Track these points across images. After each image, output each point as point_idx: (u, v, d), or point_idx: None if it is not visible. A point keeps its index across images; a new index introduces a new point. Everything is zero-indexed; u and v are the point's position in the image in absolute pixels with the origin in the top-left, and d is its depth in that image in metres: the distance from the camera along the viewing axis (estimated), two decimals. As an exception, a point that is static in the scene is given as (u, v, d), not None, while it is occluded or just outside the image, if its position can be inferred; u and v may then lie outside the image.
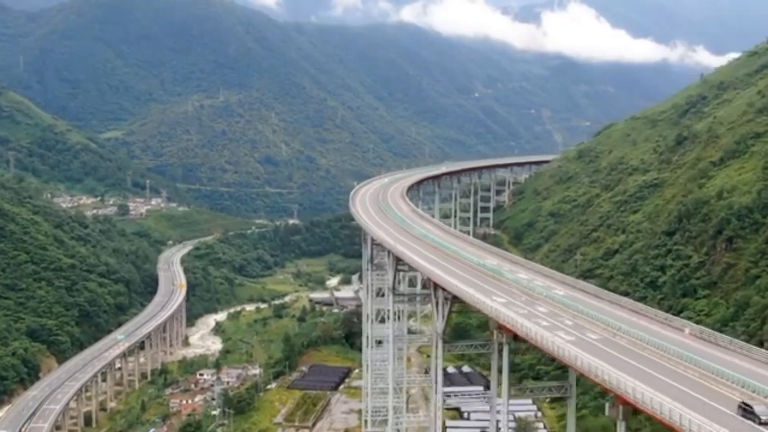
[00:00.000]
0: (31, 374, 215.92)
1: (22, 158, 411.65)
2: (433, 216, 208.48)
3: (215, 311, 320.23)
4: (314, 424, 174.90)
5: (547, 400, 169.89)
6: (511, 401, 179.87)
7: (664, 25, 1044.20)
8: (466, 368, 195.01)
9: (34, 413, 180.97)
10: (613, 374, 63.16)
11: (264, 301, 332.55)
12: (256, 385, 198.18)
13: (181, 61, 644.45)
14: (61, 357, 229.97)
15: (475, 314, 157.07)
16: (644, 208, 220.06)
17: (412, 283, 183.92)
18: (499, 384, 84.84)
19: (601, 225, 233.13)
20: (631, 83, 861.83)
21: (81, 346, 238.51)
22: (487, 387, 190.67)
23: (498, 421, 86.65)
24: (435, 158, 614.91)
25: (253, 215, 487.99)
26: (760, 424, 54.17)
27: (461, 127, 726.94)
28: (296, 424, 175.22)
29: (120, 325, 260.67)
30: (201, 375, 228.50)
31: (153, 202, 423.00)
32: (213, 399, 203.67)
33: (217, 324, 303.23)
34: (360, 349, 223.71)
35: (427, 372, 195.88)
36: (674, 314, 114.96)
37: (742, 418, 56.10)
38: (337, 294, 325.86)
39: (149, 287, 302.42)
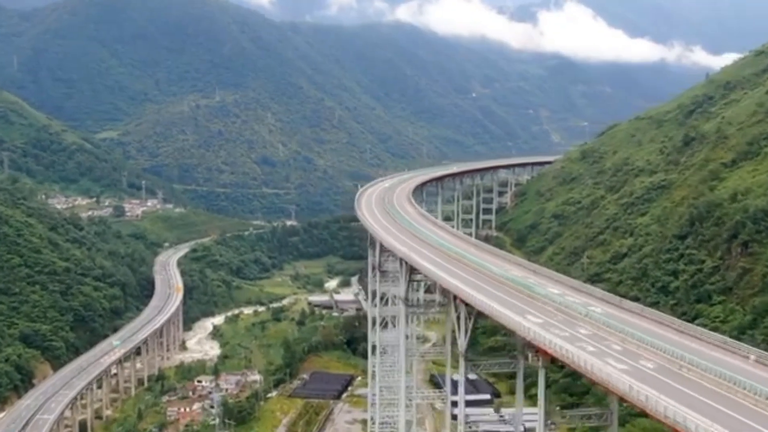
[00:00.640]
0: (25, 381, 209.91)
1: (16, 159, 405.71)
2: (436, 218, 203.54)
3: (213, 314, 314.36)
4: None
5: (558, 407, 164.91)
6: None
7: (661, 25, 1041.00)
8: (471, 375, 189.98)
9: (27, 423, 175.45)
10: (680, 412, 56.33)
11: (262, 304, 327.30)
12: (257, 394, 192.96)
13: (176, 61, 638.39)
14: (56, 363, 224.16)
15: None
16: (652, 210, 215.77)
17: (413, 286, 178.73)
18: (523, 405, 78.81)
19: (607, 228, 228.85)
20: (629, 83, 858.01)
21: (76, 352, 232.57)
22: (495, 395, 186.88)
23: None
24: (433, 159, 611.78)
25: (250, 216, 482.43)
26: None
27: (459, 127, 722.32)
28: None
29: (116, 329, 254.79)
30: (199, 381, 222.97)
31: (149, 204, 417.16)
32: (212, 407, 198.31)
33: (215, 328, 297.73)
34: (362, 356, 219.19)
35: (431, 380, 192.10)
36: (688, 320, 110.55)
37: None
38: (337, 297, 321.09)
39: (145, 290, 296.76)
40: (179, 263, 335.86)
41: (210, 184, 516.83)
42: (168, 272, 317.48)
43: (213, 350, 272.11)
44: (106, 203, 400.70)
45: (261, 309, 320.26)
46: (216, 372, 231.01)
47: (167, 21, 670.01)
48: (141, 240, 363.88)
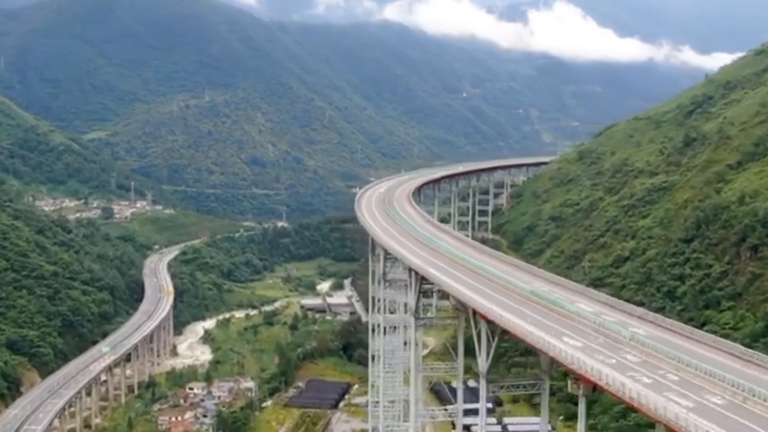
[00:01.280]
0: (12, 389, 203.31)
1: (3, 160, 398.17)
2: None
3: (203, 318, 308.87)
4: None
5: (561, 417, 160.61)
6: (522, 419, 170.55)
7: (650, 25, 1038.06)
8: (471, 383, 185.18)
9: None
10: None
11: (254, 307, 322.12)
12: (252, 404, 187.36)
13: (164, 61, 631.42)
14: (44, 370, 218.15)
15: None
16: (654, 212, 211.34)
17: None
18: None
19: (608, 230, 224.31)
20: (618, 83, 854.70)
21: (64, 358, 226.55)
22: (496, 404, 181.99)
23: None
24: (424, 159, 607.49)
25: (240, 217, 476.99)
26: None
27: (450, 127, 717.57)
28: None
29: (105, 334, 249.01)
30: (191, 389, 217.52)
31: (138, 205, 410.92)
32: (204, 416, 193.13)
33: (206, 332, 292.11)
34: (359, 362, 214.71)
35: (432, 389, 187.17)
36: (696, 327, 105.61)
37: None
38: (330, 300, 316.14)
39: (135, 294, 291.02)
40: (169, 266, 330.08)
41: (199, 185, 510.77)
42: (158, 275, 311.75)
43: (204, 355, 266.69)
44: (95, 205, 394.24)
45: (253, 312, 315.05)
46: (208, 379, 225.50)
47: (155, 20, 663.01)
48: (130, 242, 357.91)
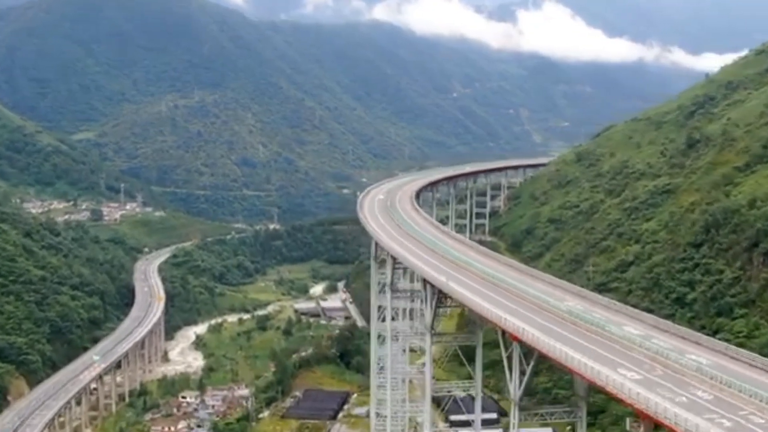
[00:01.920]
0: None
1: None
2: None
3: (195, 323, 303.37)
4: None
5: (569, 429, 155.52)
6: (531, 430, 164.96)
7: (639, 25, 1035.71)
8: (473, 392, 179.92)
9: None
10: None
11: (246, 311, 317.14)
12: (248, 415, 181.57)
13: (154, 60, 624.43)
14: (32, 378, 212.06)
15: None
16: (658, 215, 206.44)
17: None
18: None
19: (610, 234, 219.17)
20: (608, 83, 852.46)
21: (53, 366, 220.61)
22: (501, 414, 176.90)
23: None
24: (415, 160, 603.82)
25: (230, 219, 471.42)
26: None
27: (440, 127, 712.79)
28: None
29: (95, 341, 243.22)
30: (184, 398, 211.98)
31: (128, 207, 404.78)
32: (198, 426, 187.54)
33: (198, 337, 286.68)
34: (357, 370, 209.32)
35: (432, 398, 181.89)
36: (709, 335, 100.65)
37: None
38: (324, 304, 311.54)
39: (125, 299, 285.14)
40: (160, 269, 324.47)
41: (189, 186, 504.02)
42: (149, 280, 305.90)
43: (196, 361, 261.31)
44: (84, 207, 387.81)
45: (245, 317, 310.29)
46: (201, 387, 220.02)
47: (145, 20, 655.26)
48: (120, 245, 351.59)
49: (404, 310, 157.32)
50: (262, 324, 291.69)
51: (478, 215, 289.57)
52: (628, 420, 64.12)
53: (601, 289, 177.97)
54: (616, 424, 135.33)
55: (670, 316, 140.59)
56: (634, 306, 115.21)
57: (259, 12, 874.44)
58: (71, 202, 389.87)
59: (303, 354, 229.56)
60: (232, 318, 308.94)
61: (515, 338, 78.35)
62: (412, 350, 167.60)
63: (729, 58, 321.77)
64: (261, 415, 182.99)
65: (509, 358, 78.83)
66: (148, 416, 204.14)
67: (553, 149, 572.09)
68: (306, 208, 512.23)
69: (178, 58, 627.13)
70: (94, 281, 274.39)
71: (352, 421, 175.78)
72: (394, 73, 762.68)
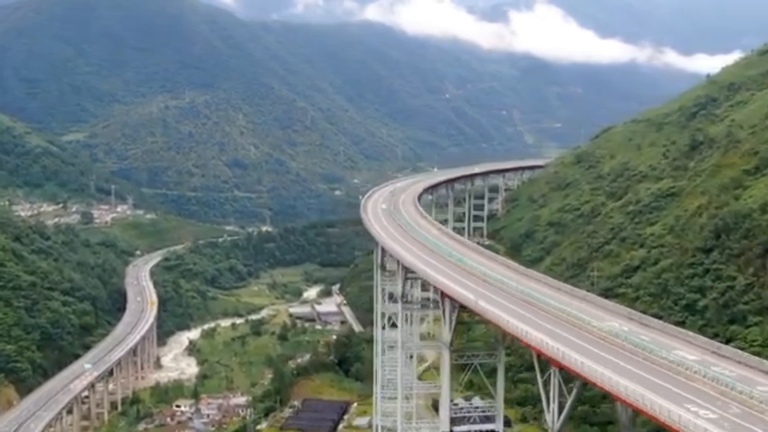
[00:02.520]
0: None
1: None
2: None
3: (188, 328, 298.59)
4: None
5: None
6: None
7: (631, 26, 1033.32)
8: (476, 401, 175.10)
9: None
10: None
11: (240, 316, 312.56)
12: (246, 427, 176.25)
13: (144, 61, 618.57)
14: (22, 386, 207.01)
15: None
16: (663, 219, 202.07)
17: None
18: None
19: (613, 238, 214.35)
20: (600, 84, 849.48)
21: (44, 374, 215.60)
22: (506, 424, 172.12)
23: None
24: (407, 161, 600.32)
25: (222, 221, 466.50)
26: None
27: (433, 128, 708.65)
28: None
29: (86, 347, 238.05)
30: (178, 407, 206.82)
31: (119, 209, 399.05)
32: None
33: (191, 343, 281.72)
34: (356, 378, 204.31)
35: (434, 405, 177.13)
36: (722, 342, 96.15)
37: None
38: (319, 308, 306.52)
39: (117, 304, 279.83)
40: (152, 273, 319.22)
41: (180, 188, 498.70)
42: (140, 284, 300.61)
43: (190, 368, 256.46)
44: (74, 209, 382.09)
45: (239, 321, 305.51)
46: (196, 395, 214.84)
47: (135, 20, 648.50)
48: (111, 248, 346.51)
49: (409, 318, 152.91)
50: (257, 329, 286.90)
51: (476, 218, 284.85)
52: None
53: (607, 294, 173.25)
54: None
55: (680, 323, 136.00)
56: (643, 312, 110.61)
57: (250, 12, 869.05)
58: (61, 205, 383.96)
59: (300, 361, 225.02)
60: (225, 323, 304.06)
61: (558, 364, 71.77)
62: (410, 356, 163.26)
63: (720, 59, 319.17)
64: (259, 426, 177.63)
65: (545, 383, 72.63)
66: (141, 426, 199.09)
67: (546, 150, 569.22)
68: (298, 209, 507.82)
69: (168, 59, 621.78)
70: (85, 286, 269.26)
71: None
72: (386, 73, 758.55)
